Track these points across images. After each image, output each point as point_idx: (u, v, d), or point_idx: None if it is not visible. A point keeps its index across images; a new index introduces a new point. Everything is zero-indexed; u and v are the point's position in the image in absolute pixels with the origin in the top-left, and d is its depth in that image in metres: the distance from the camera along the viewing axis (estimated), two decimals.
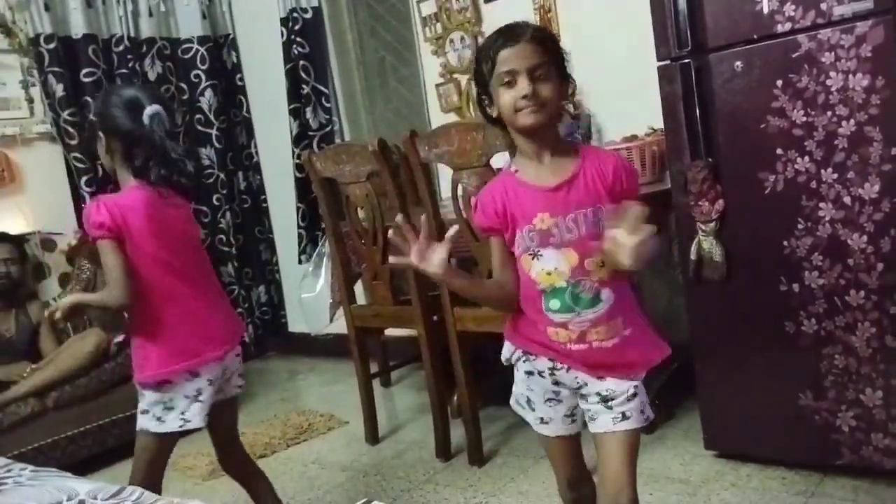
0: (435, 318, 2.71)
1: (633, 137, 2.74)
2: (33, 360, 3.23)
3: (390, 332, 3.28)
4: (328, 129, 4.02)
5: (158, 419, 1.85)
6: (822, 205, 1.96)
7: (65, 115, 3.80)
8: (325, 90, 3.99)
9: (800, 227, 2.01)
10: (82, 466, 3.03)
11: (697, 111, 2.10)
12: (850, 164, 1.90)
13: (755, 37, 1.98)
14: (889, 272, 1.90)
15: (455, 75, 3.61)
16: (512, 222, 1.46)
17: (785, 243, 2.04)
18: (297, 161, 4.01)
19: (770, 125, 2.00)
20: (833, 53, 1.87)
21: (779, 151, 2.00)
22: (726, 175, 2.11)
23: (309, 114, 3.99)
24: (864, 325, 1.96)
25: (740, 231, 2.11)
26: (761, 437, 2.21)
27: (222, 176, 4.42)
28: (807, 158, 1.96)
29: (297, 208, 4.04)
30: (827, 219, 1.96)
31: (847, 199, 1.92)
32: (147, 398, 1.86)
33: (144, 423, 1.87)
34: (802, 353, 2.07)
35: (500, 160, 2.50)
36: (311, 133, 4.01)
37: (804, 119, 1.94)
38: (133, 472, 1.88)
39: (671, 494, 2.21)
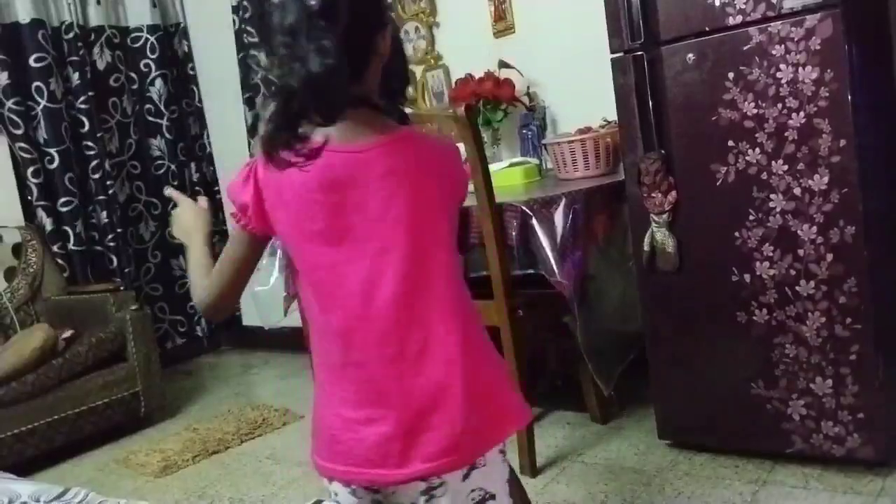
0: None
1: (588, 129, 2.74)
2: None
3: None
4: None
5: None
6: (772, 196, 1.98)
7: (10, 103, 3.70)
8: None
9: (751, 218, 2.03)
10: (29, 465, 2.96)
11: (650, 103, 2.10)
12: (800, 155, 1.92)
13: (707, 29, 1.99)
14: (838, 262, 1.93)
15: (410, 66, 3.57)
16: None
17: (736, 234, 2.06)
18: (251, 152, 3.95)
19: (721, 117, 2.01)
20: (783, 46, 1.89)
21: (730, 143, 2.01)
22: (679, 167, 2.12)
23: (260, 104, 3.92)
24: (814, 314, 1.99)
25: (693, 222, 2.12)
26: (714, 426, 2.24)
27: (173, 167, 4.34)
28: (758, 150, 1.98)
29: None
30: (778, 210, 1.98)
31: (797, 191, 1.94)
32: None
33: None
34: (754, 342, 2.09)
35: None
36: (258, 124, 3.94)
37: (755, 111, 1.96)
38: None
39: (626, 484, 2.23)
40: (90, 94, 3.94)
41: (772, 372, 2.08)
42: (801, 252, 1.97)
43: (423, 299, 1.12)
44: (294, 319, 3.03)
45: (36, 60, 3.77)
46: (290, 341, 3.84)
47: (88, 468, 3.02)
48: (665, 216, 2.15)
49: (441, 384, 1.11)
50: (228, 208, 1.30)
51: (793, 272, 1.99)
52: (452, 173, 1.21)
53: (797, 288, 1.99)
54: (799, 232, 1.96)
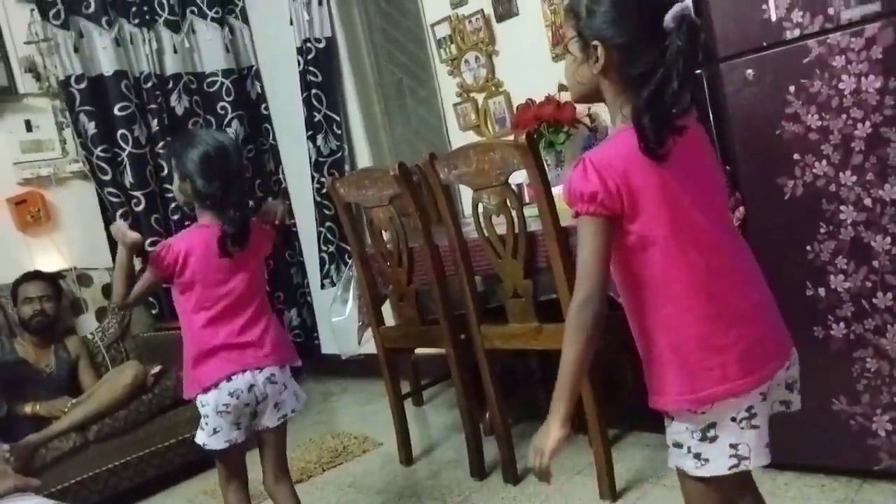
0: (462, 336, 2.73)
1: None
2: (73, 394, 3.30)
3: (420, 351, 3.30)
4: (338, 154, 4.09)
5: (697, 456, 1.29)
6: (842, 208, 1.95)
7: (98, 151, 3.91)
8: (336, 117, 4.06)
9: (822, 231, 1.99)
10: (123, 498, 3.10)
11: (712, 120, 2.10)
12: (868, 165, 1.89)
13: (765, 44, 1.98)
14: None
15: (472, 94, 3.64)
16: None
17: (808, 248, 2.02)
18: (316, 186, 4.08)
19: (785, 131, 1.99)
20: (844, 57, 1.86)
21: (796, 156, 1.99)
22: (745, 182, 2.10)
23: (320, 140, 4.06)
24: (893, 326, 1.94)
25: (762, 237, 2.09)
26: (797, 445, 2.18)
27: (252, 203, 4.48)
28: (824, 162, 1.95)
29: (319, 233, 4.09)
30: (849, 221, 1.94)
31: (868, 201, 1.91)
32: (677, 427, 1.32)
33: (681, 462, 1.32)
34: (833, 357, 2.04)
35: (518, 175, 2.52)
36: (321, 159, 4.08)
37: (819, 123, 1.93)
38: None
39: None
40: (169, 139, 4.13)
41: (853, 387, 2.03)
42: (875, 263, 1.92)
43: None
44: (370, 347, 3.11)
45: (120, 109, 3.99)
46: (367, 369, 3.93)
47: (178, 500, 3.15)
48: None
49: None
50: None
51: (868, 284, 1.95)
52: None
53: (874, 300, 1.95)
54: (872, 243, 1.92)
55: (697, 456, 1.26)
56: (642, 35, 1.21)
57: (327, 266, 4.11)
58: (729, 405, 1.23)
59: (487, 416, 2.82)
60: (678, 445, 1.29)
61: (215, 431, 2.02)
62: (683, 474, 1.30)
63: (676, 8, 1.19)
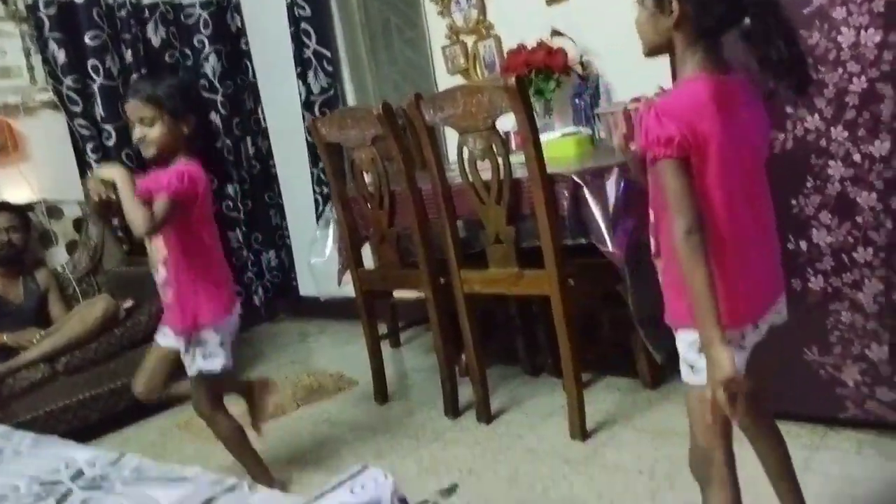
0: (442, 280, 2.72)
1: (642, 98, 2.72)
2: (42, 326, 3.26)
3: (399, 294, 3.30)
4: (330, 93, 4.01)
5: (691, 367, 1.38)
6: (831, 163, 1.95)
7: (68, 81, 3.79)
8: (328, 53, 3.97)
9: (808, 185, 2.00)
10: (94, 429, 3.09)
11: None
12: (861, 121, 1.89)
13: None
14: None
15: (461, 36, 3.58)
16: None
17: (793, 202, 2.03)
18: (307, 126, 4.01)
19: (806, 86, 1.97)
20: (845, 8, 1.85)
21: (788, 110, 1.98)
22: None
23: (311, 78, 3.97)
24: (871, 281, 1.96)
25: None
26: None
27: (229, 142, 4.41)
28: (816, 117, 1.95)
29: (312, 173, 4.03)
30: (836, 177, 1.95)
31: (857, 157, 1.91)
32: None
33: (683, 373, 1.41)
34: (809, 309, 2.07)
35: (505, 122, 2.50)
36: (312, 98, 3.99)
37: (815, 76, 1.92)
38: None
39: (678, 448, 2.23)
40: (144, 70, 4.02)
41: (826, 339, 2.07)
42: (859, 219, 1.94)
43: None
44: (348, 290, 3.10)
45: (91, 38, 3.84)
46: (346, 310, 3.92)
47: (152, 432, 3.14)
48: None
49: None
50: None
51: (850, 239, 1.96)
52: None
53: (854, 255, 1.97)
54: (858, 199, 1.93)
55: (692, 367, 1.37)
56: None
57: (322, 207, 4.06)
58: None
59: (463, 357, 2.84)
60: (683, 361, 1.40)
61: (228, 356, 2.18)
62: (687, 386, 1.41)
63: None
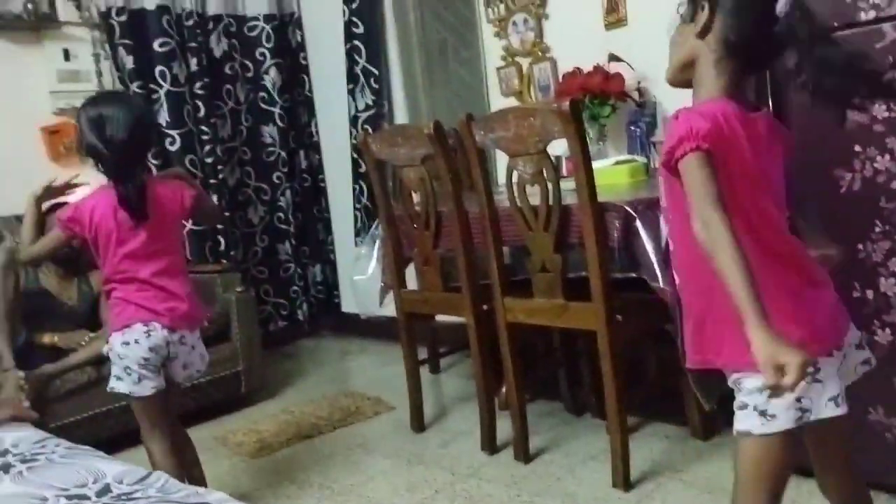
0: (485, 307, 2.65)
1: None
2: (93, 329, 3.29)
3: (441, 318, 3.24)
4: (373, 111, 4.00)
5: (763, 413, 1.27)
6: None
7: (134, 87, 3.85)
8: (375, 71, 3.96)
9: (877, 230, 1.87)
10: (132, 436, 3.07)
11: (770, 101, 1.97)
12: None
13: (836, 24, 1.85)
14: None
15: (517, 58, 3.52)
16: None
17: (860, 247, 1.90)
18: (353, 142, 4.00)
19: (849, 119, 1.85)
20: None
21: (857, 148, 1.87)
22: (799, 169, 1.97)
23: (357, 94, 3.97)
24: None
25: None
26: None
27: (283, 154, 4.43)
28: (888, 157, 1.82)
29: (353, 189, 4.02)
30: None
31: None
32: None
33: (746, 424, 1.29)
34: (874, 364, 1.93)
35: (557, 147, 2.42)
36: (357, 114, 3.99)
37: (886, 115, 1.81)
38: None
39: None
40: (206, 80, 4.07)
41: (894, 398, 1.92)
42: None
43: None
44: (391, 309, 3.05)
45: (160, 45, 3.91)
46: (387, 330, 3.88)
47: None
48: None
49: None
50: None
51: None
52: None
53: None
54: None
55: (763, 413, 1.25)
56: (753, 6, 1.25)
57: (359, 222, 4.05)
58: None
59: (503, 390, 2.75)
60: (743, 407, 1.28)
61: (140, 379, 2.09)
62: (745, 438, 1.29)
63: None
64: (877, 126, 1.83)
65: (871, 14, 1.80)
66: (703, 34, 1.28)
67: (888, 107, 1.80)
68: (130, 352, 2.07)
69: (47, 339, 3.15)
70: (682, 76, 1.36)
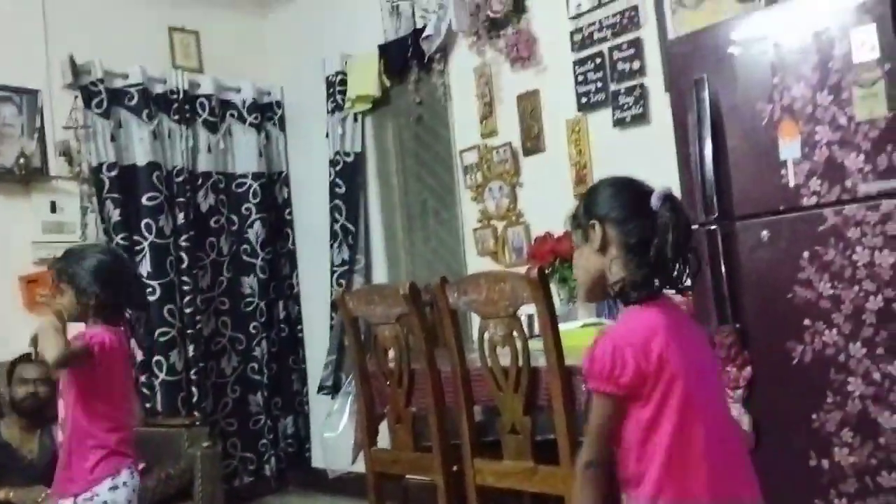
0: (455, 468, 2.64)
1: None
2: (50, 485, 3.20)
3: (412, 476, 3.20)
4: (346, 266, 4.16)
5: None
6: (850, 379, 1.91)
7: (118, 238, 3.95)
8: (352, 228, 4.14)
9: (829, 401, 1.95)
10: None
11: (724, 277, 2.10)
12: (879, 339, 1.87)
13: (781, 208, 2.01)
14: None
15: (492, 221, 3.70)
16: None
17: (814, 416, 1.98)
18: (332, 293, 4.11)
19: (797, 296, 1.99)
20: (859, 229, 1.88)
21: (806, 322, 1.98)
22: (754, 342, 2.08)
23: (335, 249, 4.12)
24: None
25: (768, 400, 2.06)
26: None
27: (262, 304, 4.49)
28: (835, 331, 1.93)
29: (331, 342, 4.09)
30: (857, 394, 1.91)
31: (877, 376, 1.87)
32: None
33: None
34: None
35: (530, 309, 2.51)
36: (334, 268, 4.13)
37: (831, 292, 1.93)
38: None
39: None
40: (191, 233, 4.19)
41: None
42: (882, 440, 1.87)
43: None
44: (359, 466, 3.02)
45: (149, 199, 4.06)
46: (356, 488, 3.80)
47: None
48: (740, 392, 2.09)
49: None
50: None
51: (874, 461, 1.88)
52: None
53: (878, 479, 1.88)
54: (879, 419, 1.87)
55: None
56: (634, 208, 1.37)
57: (330, 378, 4.10)
58: None
59: None
60: None
61: None
62: None
63: (659, 190, 1.38)
64: (823, 302, 1.95)
65: (814, 200, 1.96)
66: (603, 249, 1.39)
67: (832, 284, 1.93)
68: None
69: (2, 494, 3.06)
70: (597, 291, 1.46)
